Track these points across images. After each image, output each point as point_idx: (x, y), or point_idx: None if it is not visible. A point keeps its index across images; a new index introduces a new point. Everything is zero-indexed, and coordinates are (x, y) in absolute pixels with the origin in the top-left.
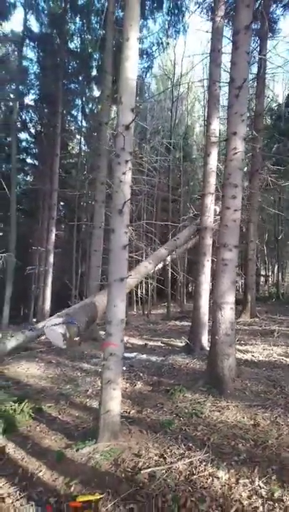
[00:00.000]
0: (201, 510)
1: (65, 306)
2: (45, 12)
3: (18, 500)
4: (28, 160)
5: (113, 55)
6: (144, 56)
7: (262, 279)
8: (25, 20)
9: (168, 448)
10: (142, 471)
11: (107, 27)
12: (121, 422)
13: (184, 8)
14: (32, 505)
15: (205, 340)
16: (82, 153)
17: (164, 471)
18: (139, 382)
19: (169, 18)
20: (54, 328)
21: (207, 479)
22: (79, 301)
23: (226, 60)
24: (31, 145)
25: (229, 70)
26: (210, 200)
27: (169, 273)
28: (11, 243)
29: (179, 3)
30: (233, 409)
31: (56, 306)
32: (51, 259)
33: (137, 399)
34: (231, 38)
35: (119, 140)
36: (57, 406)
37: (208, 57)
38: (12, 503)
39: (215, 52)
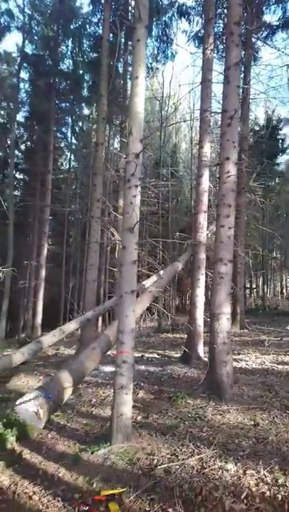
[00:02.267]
0: (216, 496)
1: (55, 320)
2: (39, 35)
3: (44, 497)
4: (17, 175)
5: (108, 80)
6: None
7: (248, 291)
8: (24, 43)
9: (178, 447)
10: (157, 467)
11: (102, 54)
12: (132, 426)
13: (172, 36)
14: (58, 501)
15: (201, 350)
16: (72, 169)
17: (177, 467)
18: (141, 391)
19: (158, 45)
20: (26, 407)
21: (217, 472)
22: (79, 314)
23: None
24: (21, 160)
25: (221, 101)
26: (203, 218)
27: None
28: (8, 258)
29: (167, 31)
30: (234, 412)
31: (46, 319)
32: (43, 273)
33: (142, 406)
34: (223, 72)
35: (131, 167)
36: (64, 415)
37: (200, 86)
38: (39, 499)
39: (205, 83)
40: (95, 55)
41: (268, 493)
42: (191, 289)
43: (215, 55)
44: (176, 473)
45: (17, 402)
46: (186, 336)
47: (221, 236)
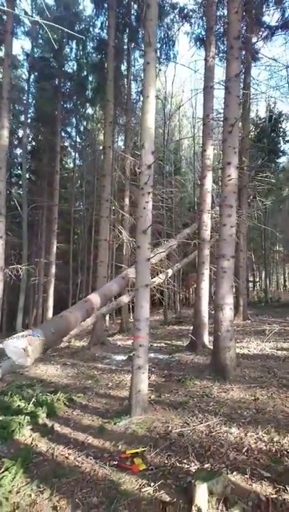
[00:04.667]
0: (222, 451)
1: None
2: (44, 38)
3: (78, 457)
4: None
5: (114, 85)
6: (138, 81)
7: (251, 284)
8: (32, 47)
9: (189, 418)
10: (172, 432)
11: (108, 60)
12: (148, 402)
13: (174, 38)
14: (91, 459)
15: (206, 338)
16: (76, 168)
17: (189, 431)
18: (152, 375)
19: (160, 47)
20: (14, 343)
21: (223, 434)
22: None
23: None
24: (27, 161)
25: (222, 107)
26: (206, 216)
27: (166, 282)
28: (23, 256)
29: (169, 33)
30: (237, 390)
31: (56, 313)
32: (53, 270)
33: (155, 388)
34: (224, 84)
35: (143, 177)
36: (85, 396)
37: (202, 92)
38: (74, 459)
39: (207, 89)
40: (98, 56)
41: (264, 447)
42: (196, 283)
43: (217, 60)
44: (188, 436)
45: (6, 339)
46: (191, 327)
47: (223, 234)
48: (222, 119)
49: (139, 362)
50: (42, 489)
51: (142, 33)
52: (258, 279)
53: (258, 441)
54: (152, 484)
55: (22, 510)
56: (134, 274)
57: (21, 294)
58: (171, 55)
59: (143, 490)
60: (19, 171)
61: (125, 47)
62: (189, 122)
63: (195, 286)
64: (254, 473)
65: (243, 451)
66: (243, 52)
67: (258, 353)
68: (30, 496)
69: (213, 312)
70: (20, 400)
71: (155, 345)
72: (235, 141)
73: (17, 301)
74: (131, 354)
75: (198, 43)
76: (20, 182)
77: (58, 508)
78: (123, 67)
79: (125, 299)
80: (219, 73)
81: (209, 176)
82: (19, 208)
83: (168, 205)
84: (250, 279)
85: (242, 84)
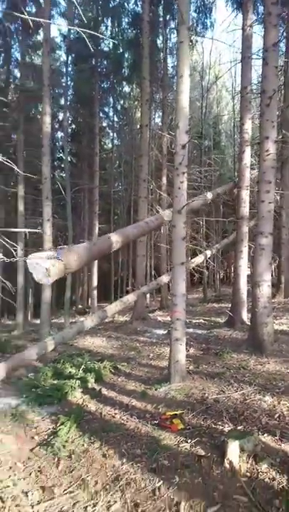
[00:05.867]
0: (254, 416)
1: (107, 292)
2: (79, 18)
3: (124, 416)
4: (64, 157)
5: (150, 61)
6: (174, 54)
7: None
8: (69, 30)
9: (224, 386)
10: (208, 398)
11: (143, 36)
12: (186, 371)
13: (210, 5)
14: (135, 418)
15: (244, 315)
16: (114, 148)
17: (224, 398)
18: (191, 349)
19: (197, 16)
20: (38, 262)
21: (257, 402)
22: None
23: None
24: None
25: (260, 79)
26: (245, 193)
27: (205, 261)
28: (69, 238)
29: (205, 0)
30: (273, 363)
31: (98, 291)
32: None
33: (193, 359)
34: (262, 53)
35: (178, 157)
36: (128, 365)
37: (240, 63)
38: (120, 418)
39: (245, 60)
40: (133, 31)
41: None
42: (234, 261)
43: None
44: (223, 402)
45: (29, 256)
46: (229, 305)
47: (261, 210)
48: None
49: (176, 334)
50: (92, 441)
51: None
52: None
53: None
54: (189, 441)
55: (77, 456)
56: (168, 217)
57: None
58: (208, 24)
59: (181, 445)
60: (60, 155)
61: (161, 19)
62: (229, 93)
63: (234, 263)
64: (284, 435)
65: (275, 416)
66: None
67: None
68: (83, 445)
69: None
70: (71, 367)
71: (194, 321)
72: (274, 115)
73: (64, 280)
74: (170, 328)
75: (235, 5)
76: (63, 165)
77: (107, 455)
78: (159, 41)
79: (165, 278)
80: (258, 42)
81: (248, 151)
82: (63, 192)
83: (207, 184)
84: None
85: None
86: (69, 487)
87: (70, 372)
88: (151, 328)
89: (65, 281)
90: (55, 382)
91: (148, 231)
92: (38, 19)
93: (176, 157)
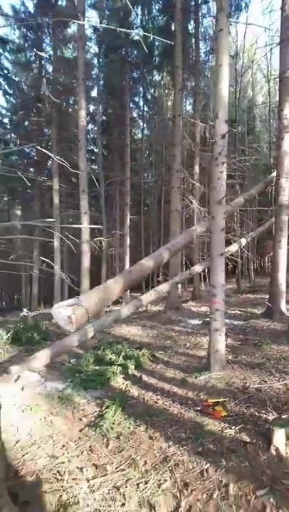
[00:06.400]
0: None
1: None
2: (109, 8)
3: (166, 402)
4: (96, 150)
5: (182, 49)
6: (207, 39)
7: None
8: (101, 21)
9: (266, 376)
10: (250, 387)
11: (175, 23)
12: (225, 361)
13: None
14: (177, 404)
15: (283, 306)
16: (145, 138)
17: (266, 388)
18: (228, 339)
19: None
20: (60, 311)
21: None
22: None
23: None
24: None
25: None
26: (284, 181)
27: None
28: (103, 229)
29: None
30: None
31: None
32: (128, 241)
33: (231, 350)
34: None
35: (217, 147)
36: (166, 353)
37: (278, 46)
38: (162, 403)
39: (284, 42)
40: (164, 18)
41: None
42: (272, 251)
43: None
44: (265, 392)
45: (54, 306)
46: (265, 296)
47: None
48: None
49: (216, 325)
50: (138, 424)
51: None
52: None
53: None
54: (233, 428)
55: (125, 437)
56: (200, 227)
57: (103, 263)
58: (243, 5)
59: (225, 431)
60: (92, 147)
61: (192, 3)
62: (264, 76)
63: (271, 254)
64: None
65: None
66: None
67: None
68: (130, 428)
69: None
70: (111, 353)
71: (229, 312)
72: None
73: (99, 269)
74: (205, 319)
75: None
76: (93, 157)
77: (154, 438)
78: (190, 27)
79: (198, 268)
80: None
81: (287, 138)
82: (96, 184)
83: (242, 173)
84: None
85: None
86: (120, 465)
87: (110, 358)
88: (186, 318)
89: (99, 271)
90: (97, 368)
91: (161, 263)
92: (72, 20)
93: (216, 147)
